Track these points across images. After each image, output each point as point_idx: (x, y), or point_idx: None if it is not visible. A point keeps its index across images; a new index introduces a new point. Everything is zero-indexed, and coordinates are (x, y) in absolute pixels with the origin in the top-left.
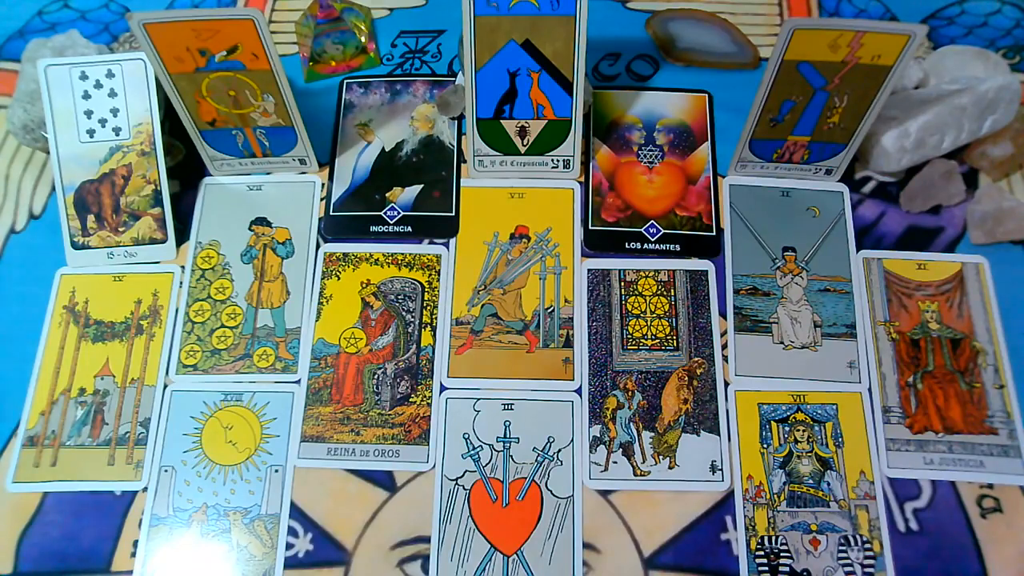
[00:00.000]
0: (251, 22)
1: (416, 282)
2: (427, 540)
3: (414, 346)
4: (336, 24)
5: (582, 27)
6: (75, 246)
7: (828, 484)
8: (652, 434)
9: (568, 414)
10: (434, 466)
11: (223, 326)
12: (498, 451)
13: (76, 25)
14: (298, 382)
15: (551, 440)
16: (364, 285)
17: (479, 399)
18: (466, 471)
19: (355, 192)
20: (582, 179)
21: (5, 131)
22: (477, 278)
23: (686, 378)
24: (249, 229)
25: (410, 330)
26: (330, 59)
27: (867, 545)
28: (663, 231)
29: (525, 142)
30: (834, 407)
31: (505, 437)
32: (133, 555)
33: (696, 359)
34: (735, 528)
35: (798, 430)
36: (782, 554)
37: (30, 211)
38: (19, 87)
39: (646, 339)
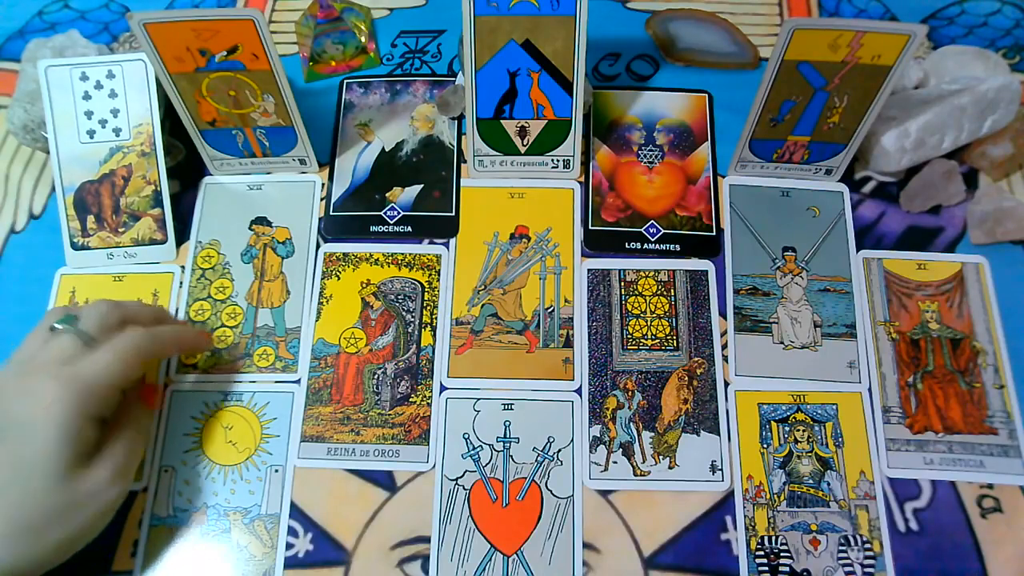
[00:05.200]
0: (251, 22)
1: (416, 282)
2: (427, 540)
3: (414, 346)
4: (336, 24)
5: (582, 27)
6: (75, 247)
7: (828, 484)
8: (652, 434)
9: (568, 414)
10: (434, 466)
11: (223, 325)
12: (498, 451)
13: (76, 25)
14: (298, 382)
15: (551, 440)
16: (364, 285)
17: (479, 399)
18: (466, 471)
19: (355, 192)
20: (582, 179)
21: (5, 131)
22: (477, 278)
23: (686, 378)
24: (249, 229)
25: (410, 330)
26: (330, 59)
27: (867, 545)
28: (663, 231)
29: (525, 142)
30: (834, 407)
31: (505, 437)
32: (133, 555)
33: (696, 359)
34: (735, 528)
35: (798, 430)
36: (782, 554)
37: (30, 211)
38: (19, 87)
39: (646, 339)
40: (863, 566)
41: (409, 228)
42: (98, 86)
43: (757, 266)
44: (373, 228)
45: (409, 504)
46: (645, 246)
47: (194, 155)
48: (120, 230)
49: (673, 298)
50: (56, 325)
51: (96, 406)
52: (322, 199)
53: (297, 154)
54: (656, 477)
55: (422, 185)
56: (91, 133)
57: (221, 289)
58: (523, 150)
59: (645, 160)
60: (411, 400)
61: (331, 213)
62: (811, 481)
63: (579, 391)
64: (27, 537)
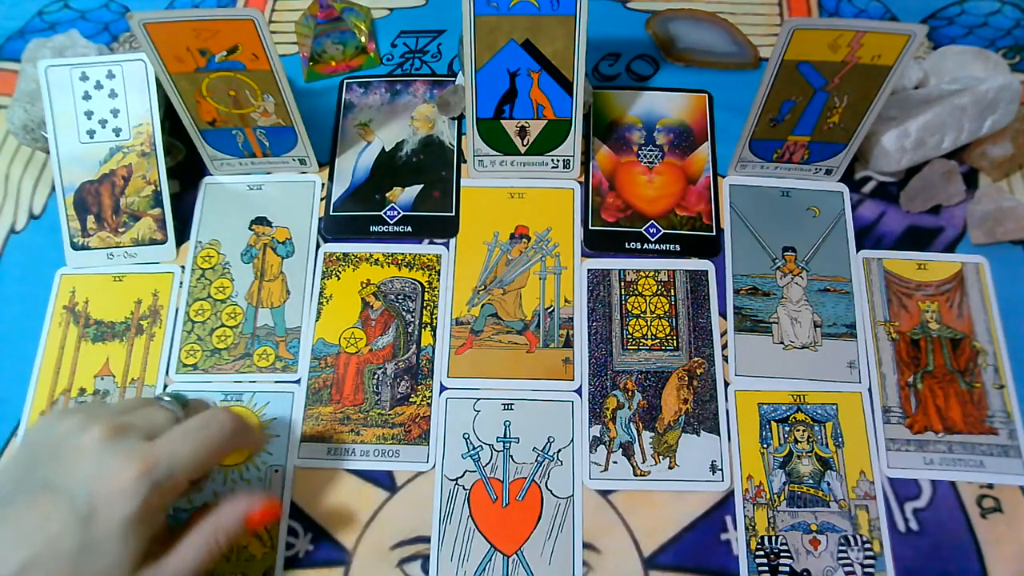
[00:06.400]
0: (251, 22)
1: (416, 282)
2: (427, 540)
3: (414, 346)
4: (336, 24)
5: (582, 27)
6: (75, 247)
7: (828, 484)
8: (652, 434)
9: (568, 414)
10: (434, 466)
11: (223, 325)
12: (498, 451)
13: (76, 25)
14: (298, 382)
15: (551, 440)
16: (364, 285)
17: (479, 399)
18: (466, 471)
19: (355, 192)
20: (582, 179)
21: (5, 131)
22: (477, 278)
23: (686, 378)
24: (249, 228)
25: (410, 330)
26: (330, 59)
27: (867, 545)
28: (663, 231)
29: (525, 142)
30: (834, 407)
31: (505, 437)
32: None
33: (696, 359)
34: (735, 528)
35: (798, 430)
36: (782, 554)
37: (30, 211)
38: (19, 87)
39: (646, 339)
40: (863, 566)
41: (409, 228)
42: (98, 86)
43: (757, 266)
44: (373, 228)
45: (409, 504)
46: (645, 246)
47: (194, 155)
48: (120, 230)
49: (673, 298)
50: (164, 398)
51: (169, 497)
52: (322, 199)
53: (297, 154)
54: (656, 477)
55: (422, 185)
56: (91, 133)
57: (221, 289)
58: (523, 150)
59: (645, 160)
60: (411, 400)
61: (331, 213)
62: (811, 481)
63: (579, 391)
64: None
